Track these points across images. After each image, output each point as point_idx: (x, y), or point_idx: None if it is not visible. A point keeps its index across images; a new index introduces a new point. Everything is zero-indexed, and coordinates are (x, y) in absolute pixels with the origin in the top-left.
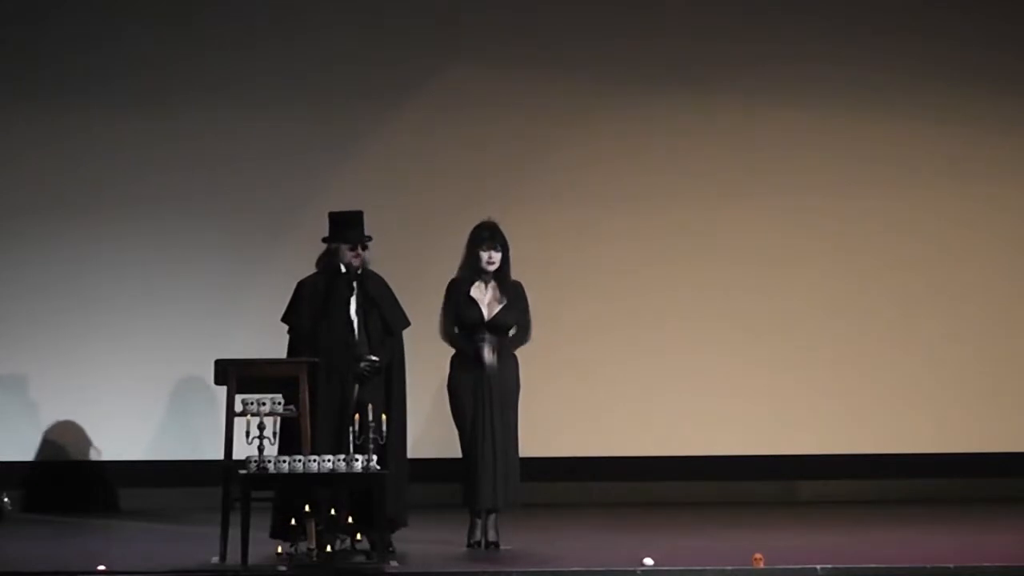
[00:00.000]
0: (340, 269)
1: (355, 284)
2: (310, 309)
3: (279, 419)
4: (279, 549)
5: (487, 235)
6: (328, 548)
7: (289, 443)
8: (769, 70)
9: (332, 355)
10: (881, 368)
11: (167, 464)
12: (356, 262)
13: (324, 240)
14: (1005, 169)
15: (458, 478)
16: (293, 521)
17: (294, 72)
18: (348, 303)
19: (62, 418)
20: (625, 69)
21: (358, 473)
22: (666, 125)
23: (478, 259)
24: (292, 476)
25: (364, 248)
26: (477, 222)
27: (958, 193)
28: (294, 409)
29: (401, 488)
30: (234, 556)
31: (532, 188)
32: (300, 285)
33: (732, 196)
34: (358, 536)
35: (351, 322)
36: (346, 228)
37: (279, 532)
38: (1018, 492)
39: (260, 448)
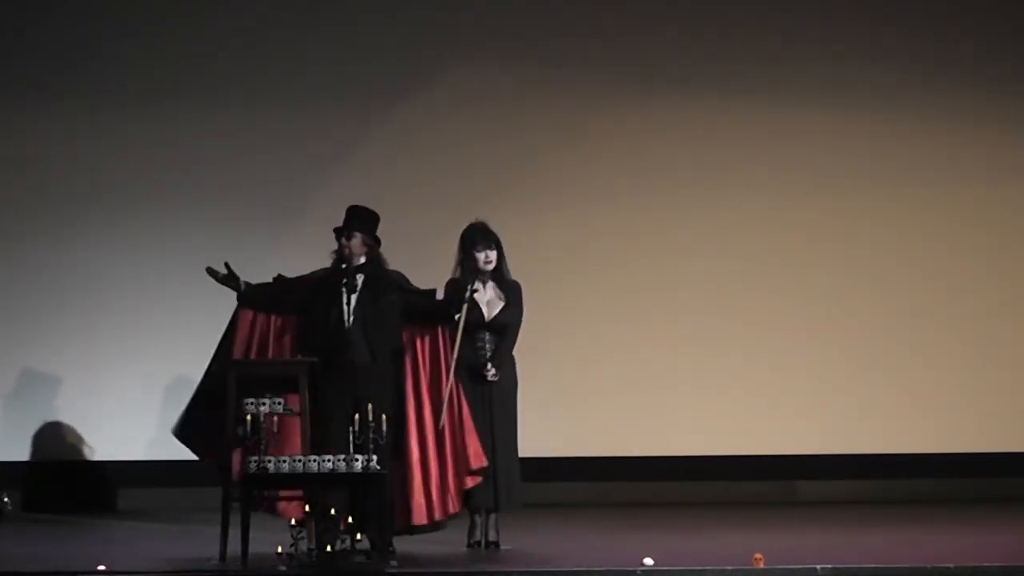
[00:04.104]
0: (341, 263)
1: (358, 279)
2: (300, 290)
3: (277, 418)
4: (279, 549)
5: (480, 235)
6: (328, 548)
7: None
8: (771, 69)
9: (326, 352)
10: (881, 368)
11: (167, 464)
12: (345, 252)
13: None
14: (1006, 168)
15: None
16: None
17: (294, 72)
18: (341, 296)
19: (62, 418)
20: (626, 68)
21: (358, 473)
22: (666, 123)
23: (475, 260)
24: (292, 476)
25: (348, 239)
26: (469, 223)
27: (959, 192)
28: (294, 409)
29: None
30: (234, 556)
31: (531, 186)
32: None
33: (730, 194)
34: (358, 536)
35: (344, 318)
36: (344, 220)
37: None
38: (1018, 492)
39: (260, 448)
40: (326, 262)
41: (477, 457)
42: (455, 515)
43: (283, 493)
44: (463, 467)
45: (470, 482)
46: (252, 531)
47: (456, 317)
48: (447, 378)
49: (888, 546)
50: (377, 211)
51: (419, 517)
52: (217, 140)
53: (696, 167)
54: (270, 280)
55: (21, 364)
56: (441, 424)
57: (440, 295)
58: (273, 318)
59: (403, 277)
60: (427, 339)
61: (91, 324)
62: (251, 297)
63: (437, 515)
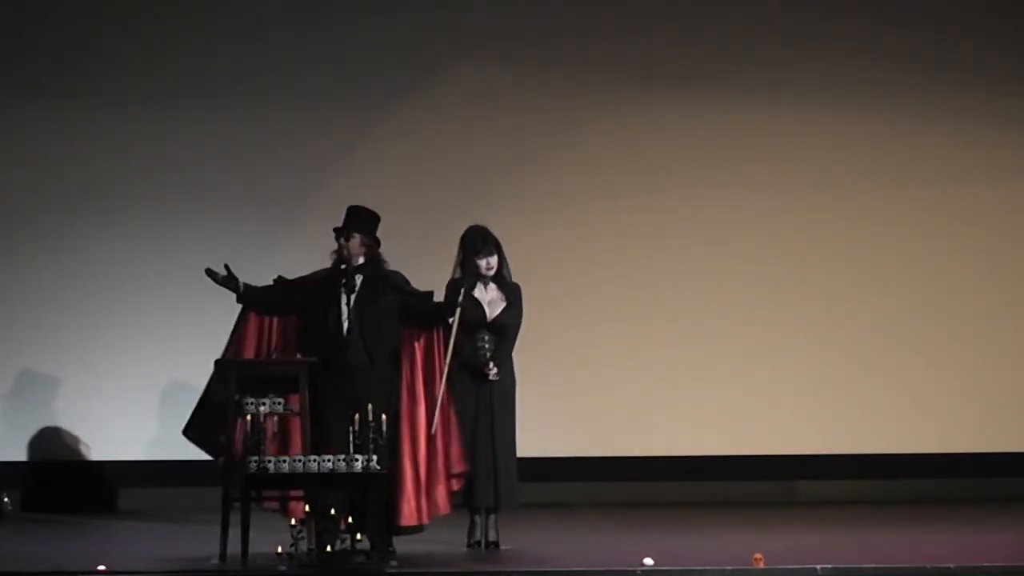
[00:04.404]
0: (340, 263)
1: (356, 280)
2: (300, 291)
3: (277, 419)
4: (279, 549)
5: (480, 242)
6: (328, 548)
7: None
8: (771, 69)
9: (325, 352)
10: (881, 368)
11: (167, 464)
12: (344, 253)
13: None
14: (1006, 168)
15: None
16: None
17: (294, 72)
18: (340, 297)
19: (62, 418)
20: (626, 68)
21: (358, 473)
22: (666, 123)
23: (476, 266)
24: (292, 476)
25: (347, 240)
26: (470, 223)
27: (959, 192)
28: (294, 409)
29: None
30: (234, 556)
31: (531, 186)
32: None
33: (730, 194)
34: (358, 536)
35: (342, 319)
36: (343, 220)
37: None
38: (1018, 492)
39: (260, 448)
40: (326, 262)
41: (459, 461)
42: (441, 516)
43: (283, 493)
44: (450, 470)
45: (455, 484)
46: (252, 531)
47: (450, 321)
48: (440, 380)
49: (888, 546)
50: (377, 211)
51: (408, 518)
52: (217, 140)
53: (696, 167)
54: (270, 281)
55: (21, 364)
56: (434, 428)
57: (440, 296)
58: (275, 318)
59: (403, 278)
60: (423, 341)
61: (91, 324)
62: (250, 299)
63: (425, 517)
